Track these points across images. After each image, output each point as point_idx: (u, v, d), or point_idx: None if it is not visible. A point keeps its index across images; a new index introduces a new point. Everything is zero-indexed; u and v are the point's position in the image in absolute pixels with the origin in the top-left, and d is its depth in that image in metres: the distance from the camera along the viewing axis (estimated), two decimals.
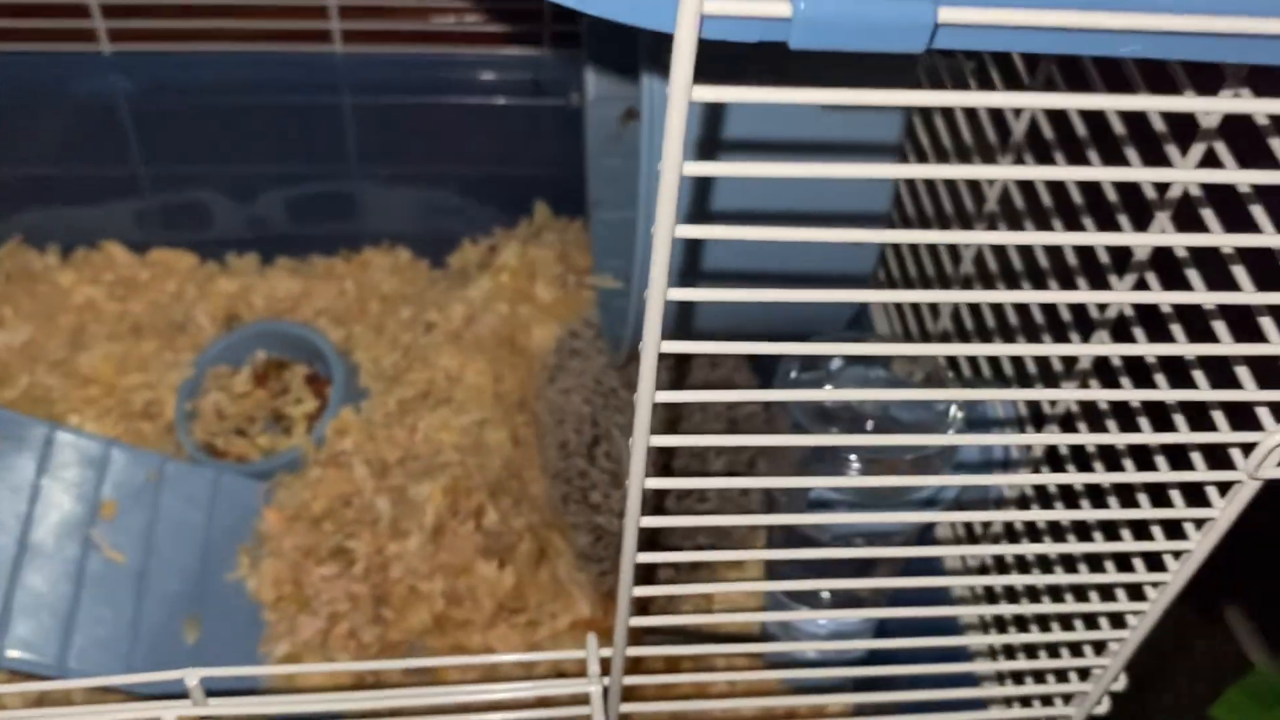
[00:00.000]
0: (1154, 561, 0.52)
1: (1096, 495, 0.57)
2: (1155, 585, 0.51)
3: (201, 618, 0.90)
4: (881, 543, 0.71)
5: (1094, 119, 0.59)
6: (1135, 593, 0.53)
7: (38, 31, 1.05)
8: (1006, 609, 0.57)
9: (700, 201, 0.67)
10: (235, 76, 1.10)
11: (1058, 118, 0.65)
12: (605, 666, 0.56)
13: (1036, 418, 0.69)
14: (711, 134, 0.67)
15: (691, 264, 0.72)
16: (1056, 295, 0.41)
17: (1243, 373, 0.45)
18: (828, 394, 0.42)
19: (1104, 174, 0.38)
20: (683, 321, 0.78)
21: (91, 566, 0.88)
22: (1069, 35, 0.32)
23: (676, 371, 0.95)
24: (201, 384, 1.06)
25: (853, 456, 0.67)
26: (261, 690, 0.87)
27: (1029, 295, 0.40)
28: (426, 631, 0.93)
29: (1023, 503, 0.69)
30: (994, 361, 0.74)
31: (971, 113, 0.76)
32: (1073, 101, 0.35)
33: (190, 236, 1.18)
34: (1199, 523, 0.49)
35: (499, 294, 1.11)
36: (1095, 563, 0.57)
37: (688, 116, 0.33)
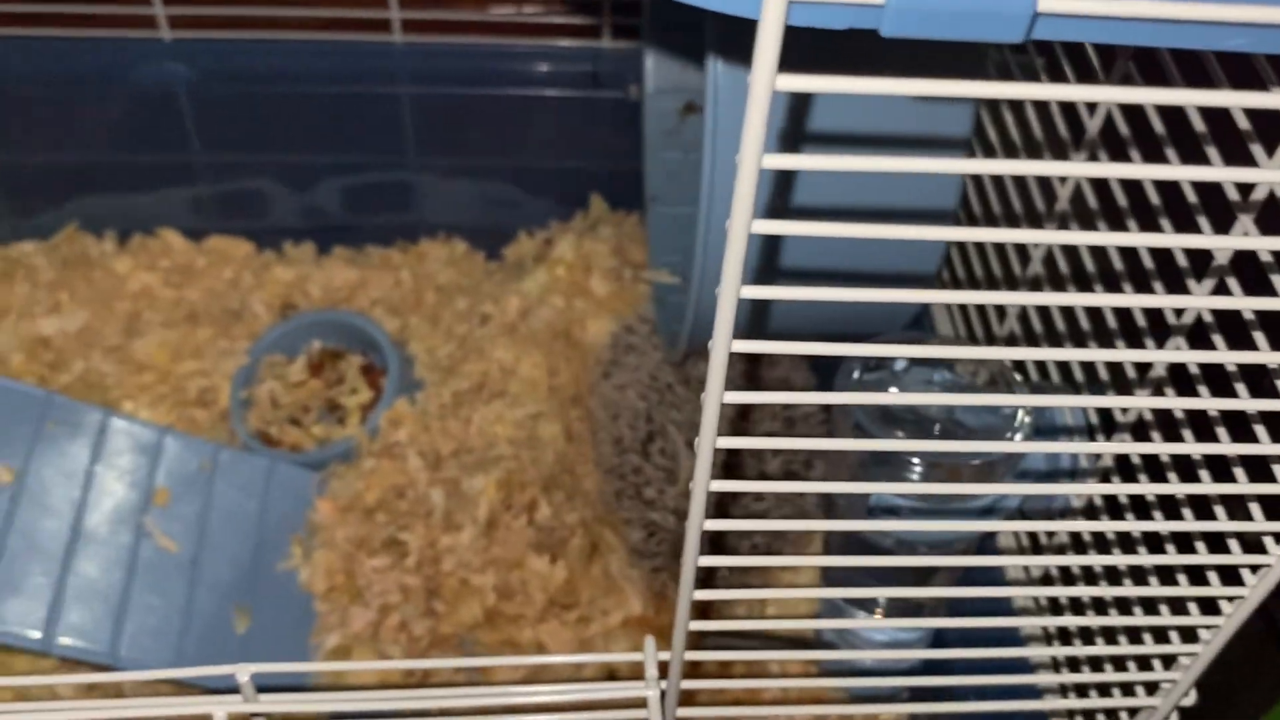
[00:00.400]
0: (1229, 575, 0.50)
1: (1170, 506, 0.55)
2: (1231, 599, 0.49)
3: (252, 607, 0.89)
4: (942, 550, 0.69)
5: (1173, 117, 0.57)
6: (1208, 606, 0.51)
7: (99, 18, 1.05)
8: (1072, 620, 0.56)
9: (764, 197, 0.66)
10: (294, 65, 1.09)
11: (1134, 116, 0.63)
12: (662, 670, 0.54)
13: (1108, 426, 0.67)
14: (777, 127, 0.65)
15: (753, 261, 0.71)
16: (1130, 299, 0.39)
17: None
18: (894, 397, 0.40)
19: (1185, 173, 0.36)
20: (742, 319, 0.77)
21: (144, 554, 0.87)
22: (1171, 27, 0.31)
23: (735, 370, 0.94)
24: (256, 372, 1.06)
25: (915, 461, 0.65)
26: (311, 685, 0.86)
27: (1100, 298, 0.39)
28: (477, 625, 0.92)
29: (1090, 512, 0.67)
30: (1064, 367, 0.72)
31: (1043, 109, 0.74)
32: (1159, 96, 0.33)
33: (247, 224, 1.17)
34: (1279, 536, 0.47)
35: (554, 287, 1.10)
36: (1166, 575, 0.55)
37: (765, 108, 0.31)
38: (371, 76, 1.10)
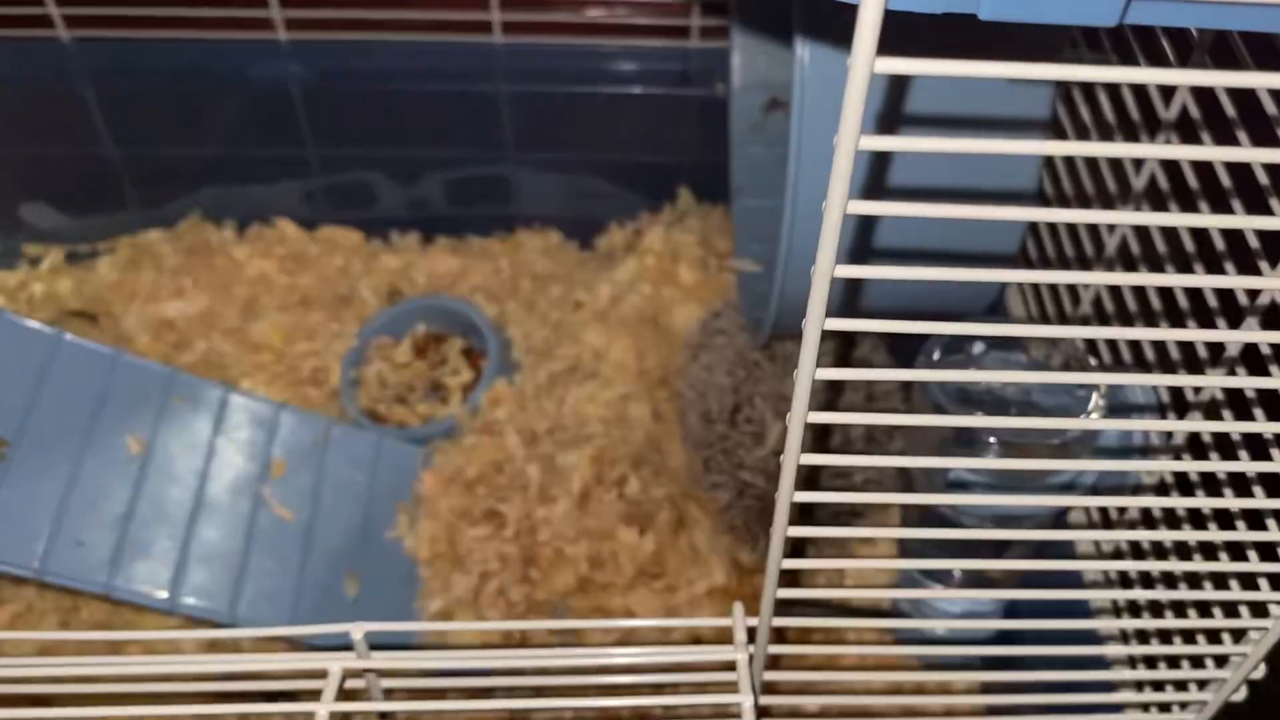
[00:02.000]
0: None
1: (1240, 484, 0.54)
2: None
3: (361, 573, 0.90)
4: (1016, 525, 0.68)
5: (1247, 103, 0.56)
6: (1278, 583, 0.51)
7: (220, 20, 1.07)
8: (1142, 594, 0.55)
9: (854, 179, 0.66)
10: (401, 65, 1.10)
11: (1208, 103, 0.61)
12: (749, 635, 0.54)
13: (1180, 406, 0.66)
14: (870, 110, 0.65)
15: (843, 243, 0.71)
16: (1202, 279, 0.38)
17: None
18: (973, 375, 0.40)
19: (1257, 155, 0.36)
20: (830, 300, 0.77)
21: (261, 522, 0.89)
22: (1254, 10, 0.30)
23: (824, 348, 0.94)
24: (365, 354, 1.07)
25: (993, 440, 0.65)
26: (416, 645, 0.88)
27: (1176, 278, 0.38)
28: (570, 592, 0.92)
29: (1162, 489, 0.66)
30: (1137, 353, 0.71)
31: (1117, 99, 0.73)
32: (1233, 79, 0.33)
33: (356, 215, 1.18)
34: None
35: (643, 275, 1.10)
36: (1236, 551, 0.54)
37: (863, 90, 0.32)
38: (472, 75, 1.10)
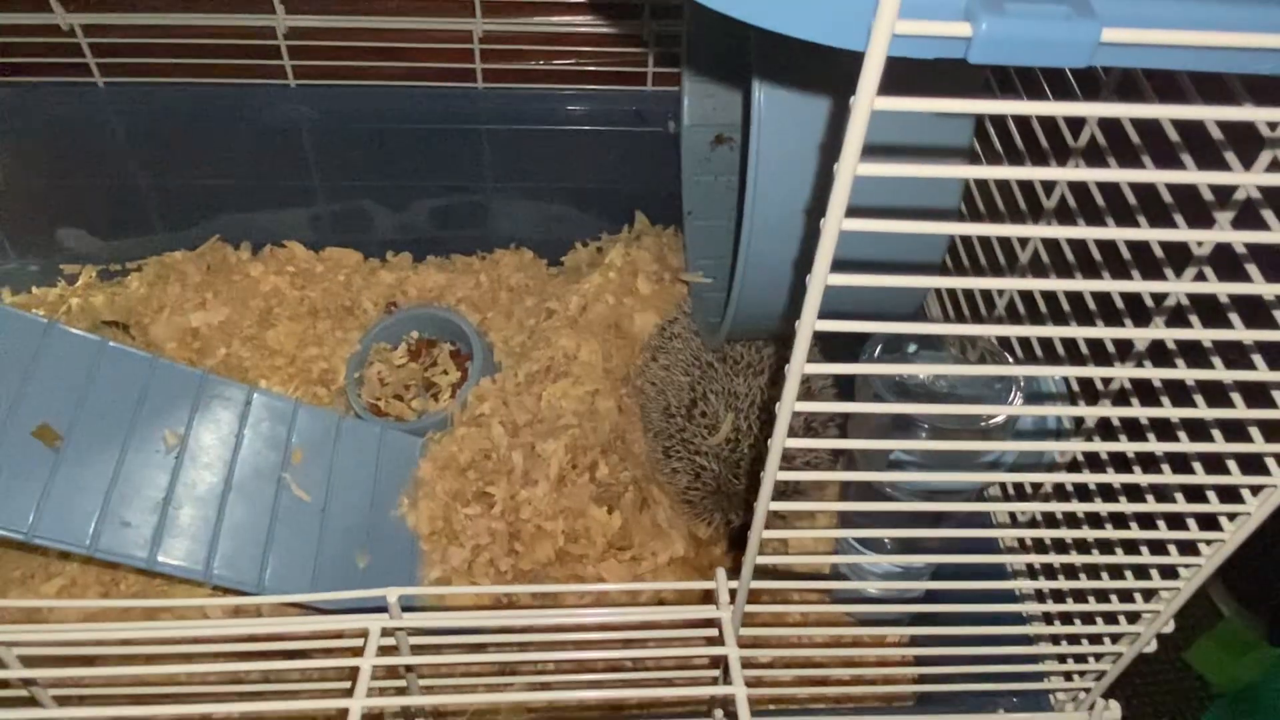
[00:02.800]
0: (1208, 521, 0.48)
1: (1148, 463, 0.53)
2: (1209, 543, 0.48)
3: (370, 547, 0.88)
4: (945, 499, 0.67)
5: (1150, 132, 0.55)
6: (1187, 548, 0.50)
7: (236, 67, 1.05)
8: (1057, 558, 0.54)
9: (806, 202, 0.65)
10: (395, 107, 1.08)
11: (1113, 133, 0.61)
12: (730, 596, 0.53)
13: (1090, 397, 0.65)
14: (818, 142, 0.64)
15: (788, 256, 0.69)
16: (1116, 284, 0.38)
17: None
18: (932, 368, 0.39)
19: (1164, 176, 0.35)
20: (782, 308, 0.75)
21: (283, 503, 0.86)
22: (1214, 53, 0.29)
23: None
24: (366, 357, 1.05)
25: (925, 425, 0.64)
26: (420, 607, 0.85)
27: (1093, 284, 0.37)
28: (550, 563, 0.91)
29: (1074, 469, 0.66)
30: (1048, 349, 0.70)
31: (1027, 128, 0.72)
32: (1148, 111, 0.32)
33: (356, 237, 1.17)
34: (1256, 489, 0.45)
35: (607, 288, 1.08)
36: (1145, 520, 0.53)
37: (864, 123, 0.30)
38: (458, 117, 1.09)
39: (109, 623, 0.75)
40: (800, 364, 0.38)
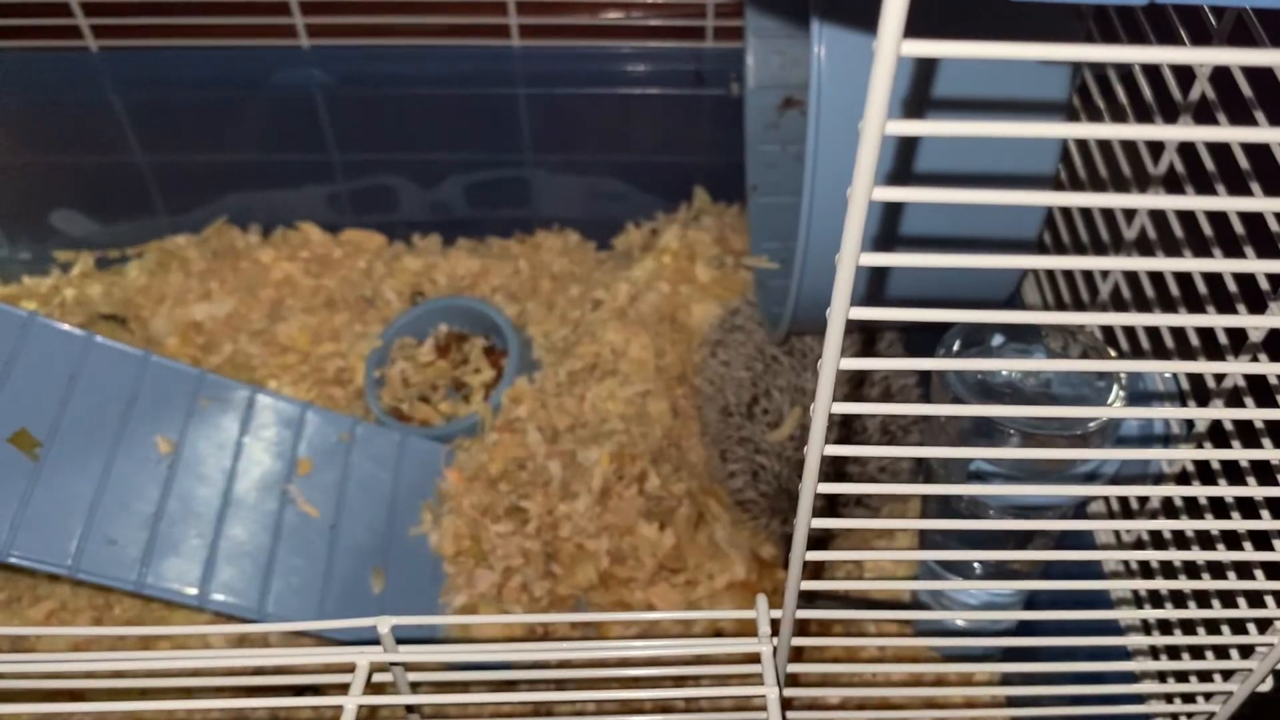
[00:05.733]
0: None
1: (1264, 472, 0.52)
2: None
3: (387, 569, 0.89)
4: (1037, 516, 0.66)
5: (1265, 86, 0.54)
6: None
7: (243, 28, 1.06)
8: (1164, 584, 0.53)
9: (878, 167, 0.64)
10: (420, 69, 1.09)
11: (1224, 89, 0.59)
12: (773, 627, 0.53)
13: (1201, 396, 0.64)
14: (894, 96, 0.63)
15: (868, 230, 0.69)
16: (1222, 263, 0.37)
17: None
18: (995, 364, 0.38)
19: (1275, 135, 0.34)
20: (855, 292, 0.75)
21: (288, 519, 0.87)
22: None
23: (847, 343, 0.92)
24: (388, 354, 1.06)
25: (1013, 432, 0.63)
26: (441, 639, 0.86)
27: (1192, 263, 0.36)
28: (592, 587, 0.91)
29: (1184, 479, 0.64)
30: (1156, 341, 0.69)
31: (1132, 85, 0.71)
32: (1258, 58, 0.31)
33: (379, 218, 1.18)
34: None
35: (660, 274, 1.09)
36: (1261, 541, 0.52)
37: (889, 73, 0.30)
38: (491, 79, 1.09)
39: (101, 652, 0.77)
40: (835, 359, 0.38)
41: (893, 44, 0.29)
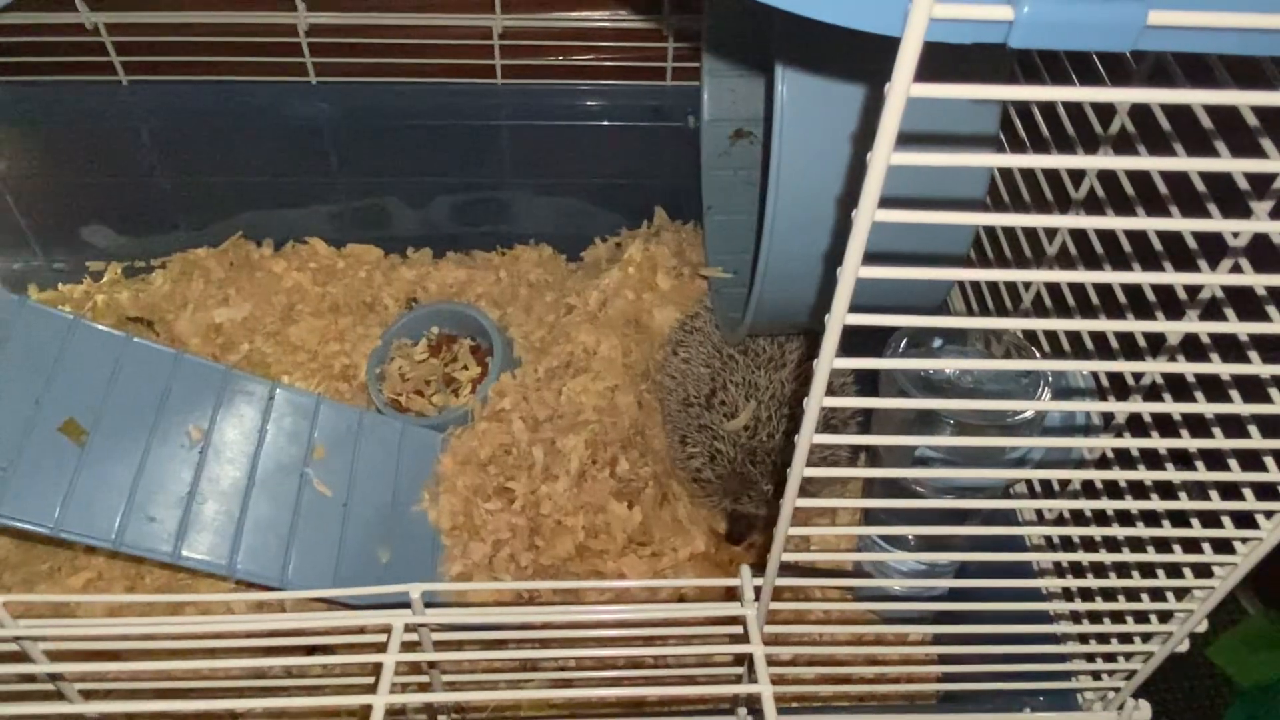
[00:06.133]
0: (1243, 519, 0.46)
1: (1181, 459, 0.52)
2: (1245, 541, 0.46)
3: (392, 542, 0.87)
4: (971, 496, 0.66)
5: (1181, 119, 0.53)
6: (1222, 546, 0.48)
7: (259, 65, 1.04)
8: (1085, 556, 0.53)
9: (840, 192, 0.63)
10: (416, 104, 1.08)
11: (1143, 122, 0.59)
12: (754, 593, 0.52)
13: (1122, 392, 0.63)
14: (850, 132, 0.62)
15: (811, 249, 0.68)
16: (1151, 276, 0.36)
17: None
18: (972, 363, 0.38)
19: (1198, 164, 0.33)
20: (791, 303, 0.74)
21: (306, 498, 0.85)
22: (1260, 36, 0.28)
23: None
24: (387, 353, 1.05)
25: (951, 421, 0.63)
26: (440, 603, 0.84)
27: (1127, 276, 0.36)
28: (570, 558, 0.90)
29: (1104, 465, 0.64)
30: (1076, 343, 0.69)
31: (1053, 117, 0.70)
32: (1201, 96, 0.31)
33: (377, 234, 1.16)
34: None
35: (626, 283, 1.07)
36: (1177, 518, 0.51)
37: (899, 111, 0.29)
38: (477, 113, 1.08)
39: (134, 617, 0.75)
40: (830, 358, 0.37)
41: (904, 86, 0.28)
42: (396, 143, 1.09)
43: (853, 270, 0.33)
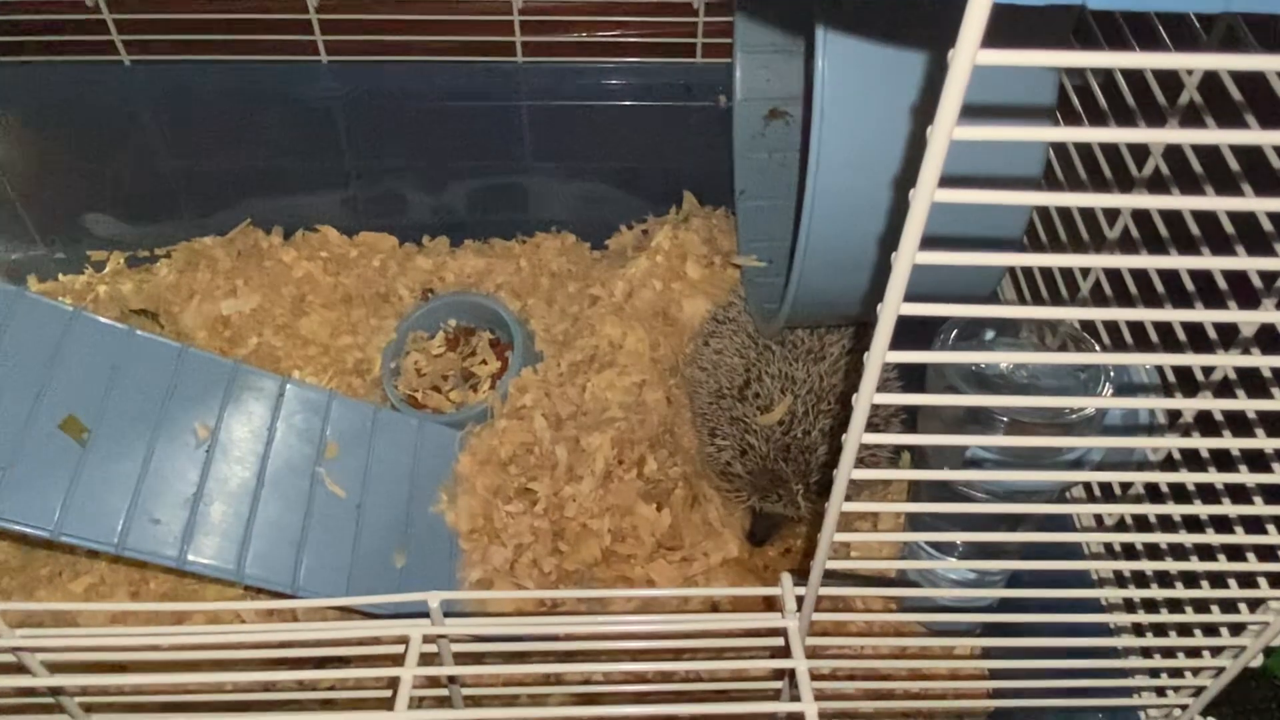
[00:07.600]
0: None
1: (1257, 461, 0.50)
2: None
3: (407, 546, 0.87)
4: (1025, 500, 0.64)
5: (1254, 88, 0.51)
6: None
7: (266, 44, 1.03)
8: (1149, 565, 0.51)
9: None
10: (431, 84, 1.06)
11: (1212, 93, 0.57)
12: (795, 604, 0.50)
13: (1190, 388, 0.62)
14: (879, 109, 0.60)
15: (855, 235, 0.66)
16: (1218, 261, 0.35)
17: None
18: (1014, 356, 0.36)
19: (1263, 137, 0.31)
20: (830, 293, 0.73)
21: (317, 499, 0.85)
22: None
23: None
24: (402, 346, 1.04)
25: (1004, 419, 0.61)
26: (459, 612, 0.84)
27: (1189, 261, 0.34)
28: (596, 563, 0.89)
29: (1171, 467, 0.62)
30: (1139, 336, 0.67)
31: (1113, 89, 0.68)
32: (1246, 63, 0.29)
33: (391, 221, 1.15)
34: None
35: (654, 272, 1.06)
36: (1251, 525, 0.50)
37: (964, 81, 0.27)
38: (496, 94, 1.07)
39: (137, 626, 0.74)
40: (882, 351, 0.35)
41: (970, 53, 0.26)
42: (411, 125, 1.08)
43: (909, 255, 0.32)
